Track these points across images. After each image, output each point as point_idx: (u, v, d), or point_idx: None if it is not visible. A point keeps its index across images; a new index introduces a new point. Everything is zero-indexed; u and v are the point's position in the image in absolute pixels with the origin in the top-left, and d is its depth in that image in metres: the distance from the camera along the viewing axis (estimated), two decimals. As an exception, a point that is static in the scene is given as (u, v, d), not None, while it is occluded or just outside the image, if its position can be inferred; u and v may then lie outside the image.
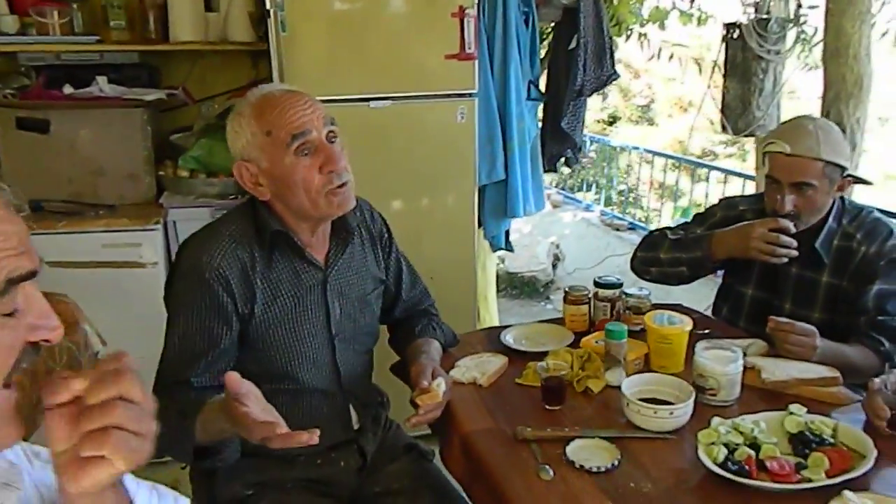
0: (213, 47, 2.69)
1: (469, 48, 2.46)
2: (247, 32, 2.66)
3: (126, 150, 2.61)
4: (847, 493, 1.11)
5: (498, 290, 4.33)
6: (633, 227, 5.20)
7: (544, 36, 3.29)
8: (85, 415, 0.61)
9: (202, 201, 2.63)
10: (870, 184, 1.91)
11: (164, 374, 1.38)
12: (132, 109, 2.56)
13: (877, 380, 1.33)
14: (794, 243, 1.72)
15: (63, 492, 0.64)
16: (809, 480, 1.16)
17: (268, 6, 2.31)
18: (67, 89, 2.46)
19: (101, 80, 2.51)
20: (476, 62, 2.52)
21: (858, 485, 1.15)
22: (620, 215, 5.58)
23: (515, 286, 4.97)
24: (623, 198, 6.23)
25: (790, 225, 1.73)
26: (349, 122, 2.42)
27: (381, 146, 2.52)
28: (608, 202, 5.99)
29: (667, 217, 5.71)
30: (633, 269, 2.04)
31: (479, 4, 2.53)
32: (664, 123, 11.59)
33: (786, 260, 1.75)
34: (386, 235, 1.66)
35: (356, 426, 1.55)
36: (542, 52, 3.18)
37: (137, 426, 0.62)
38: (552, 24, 3.16)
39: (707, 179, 5.16)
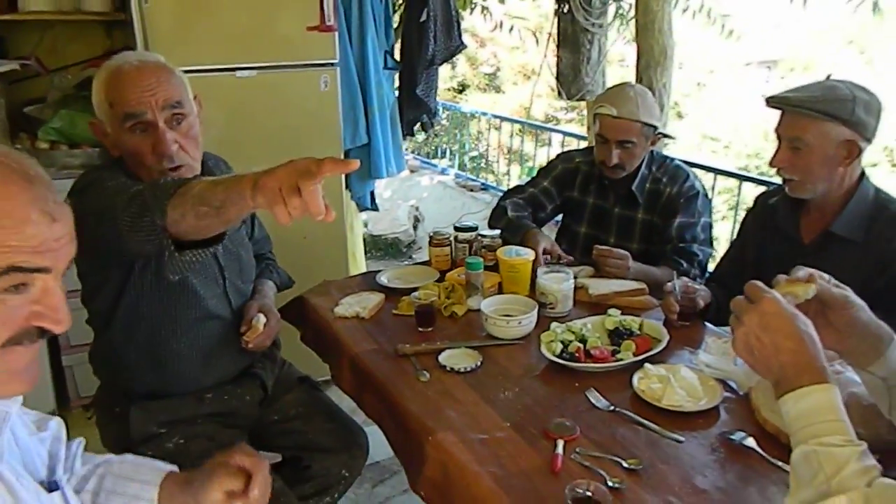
0: (68, 17, 2.65)
1: (329, 20, 2.64)
2: (102, 2, 2.65)
3: (-22, 122, 2.54)
4: (647, 365, 1.49)
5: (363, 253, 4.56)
6: (485, 188, 5.60)
7: (396, 8, 3.51)
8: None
9: (65, 173, 2.63)
10: (673, 138, 2.35)
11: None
12: (-18, 81, 2.50)
13: (668, 284, 1.73)
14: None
15: None
16: (621, 360, 1.53)
17: (128, -23, 2.35)
18: None
19: (-54, 50, 2.42)
20: (336, 33, 2.70)
21: (656, 359, 1.53)
22: (474, 177, 5.96)
23: (380, 248, 5.22)
24: (475, 164, 6.63)
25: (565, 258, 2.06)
26: (216, 91, 2.57)
27: (249, 115, 2.65)
28: (461, 167, 6.35)
29: (514, 178, 6.16)
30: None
31: (335, -21, 2.71)
32: (510, 90, 12.21)
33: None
34: None
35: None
36: (396, 24, 3.40)
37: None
38: (403, -2, 3.38)
39: (550, 143, 5.63)
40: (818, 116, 1.56)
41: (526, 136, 6.52)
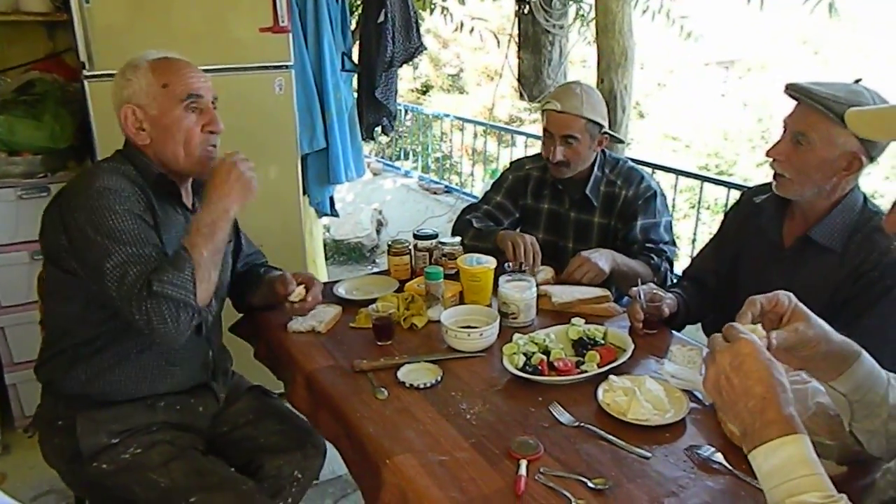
0: (6, 18, 2.52)
1: (282, 21, 2.55)
2: (42, 2, 2.53)
3: None
4: (612, 377, 1.44)
5: (325, 259, 4.47)
6: (449, 190, 5.55)
7: (354, 9, 3.44)
8: None
9: (5, 182, 2.50)
10: (622, 141, 2.32)
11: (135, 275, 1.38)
12: (-88, 86, 2.36)
13: (633, 289, 1.69)
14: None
15: None
16: (585, 372, 1.48)
17: (67, -24, 2.23)
18: None
19: None
20: (290, 35, 2.62)
21: (620, 370, 1.49)
22: (437, 180, 5.89)
23: (342, 253, 5.13)
24: (440, 164, 6.58)
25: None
26: (165, 95, 2.45)
27: (201, 119, 2.54)
28: (426, 169, 6.29)
29: (479, 179, 6.12)
30: None
31: (288, -22, 2.62)
32: (474, 91, 12.19)
33: None
34: None
35: (212, 366, 1.68)
36: (353, 25, 3.33)
37: None
38: (361, -2, 3.31)
39: (514, 144, 5.59)
40: (832, 118, 1.45)
41: (490, 137, 6.50)
